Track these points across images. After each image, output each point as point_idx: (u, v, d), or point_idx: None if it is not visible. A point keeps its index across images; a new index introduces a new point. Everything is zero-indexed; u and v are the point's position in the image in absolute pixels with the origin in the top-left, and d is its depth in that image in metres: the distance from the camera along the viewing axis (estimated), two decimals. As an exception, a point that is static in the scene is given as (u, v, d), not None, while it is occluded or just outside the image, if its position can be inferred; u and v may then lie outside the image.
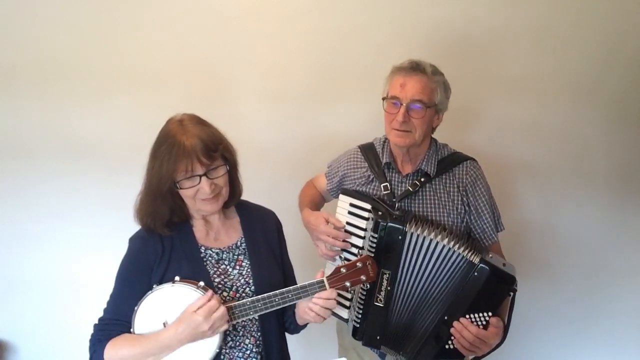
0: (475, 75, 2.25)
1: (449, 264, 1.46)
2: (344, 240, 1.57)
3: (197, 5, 2.11)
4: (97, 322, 1.36)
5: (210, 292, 1.29)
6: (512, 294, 1.45)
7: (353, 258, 1.53)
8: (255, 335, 1.41)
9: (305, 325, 1.51)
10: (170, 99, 2.11)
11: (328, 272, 1.38)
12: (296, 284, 1.48)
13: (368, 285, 1.50)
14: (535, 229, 2.39)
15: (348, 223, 1.59)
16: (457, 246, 1.45)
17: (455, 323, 1.44)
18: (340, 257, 1.58)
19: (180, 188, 1.30)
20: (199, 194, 1.31)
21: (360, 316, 1.54)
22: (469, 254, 1.44)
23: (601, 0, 2.22)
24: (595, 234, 2.40)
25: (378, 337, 1.53)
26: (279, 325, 1.48)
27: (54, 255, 2.20)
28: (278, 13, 2.14)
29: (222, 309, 1.27)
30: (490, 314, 1.43)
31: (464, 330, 1.42)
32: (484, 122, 2.30)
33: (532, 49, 2.24)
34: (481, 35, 2.22)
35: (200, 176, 1.29)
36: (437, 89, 1.57)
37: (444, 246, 1.46)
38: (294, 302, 1.35)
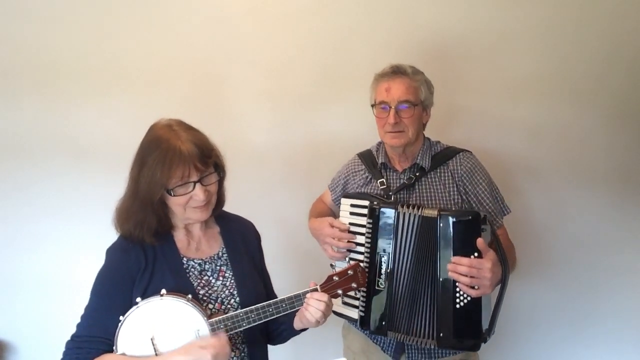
0: (476, 75, 2.25)
1: (420, 229, 1.50)
2: (348, 241, 1.61)
3: (196, 5, 2.11)
4: (70, 339, 1.28)
5: (223, 334, 1.24)
6: (485, 229, 1.44)
7: (360, 257, 1.58)
8: (240, 347, 1.38)
9: (294, 335, 1.49)
10: (170, 99, 2.11)
11: (339, 270, 1.41)
12: (274, 293, 1.51)
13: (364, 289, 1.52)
14: (535, 229, 2.38)
15: (351, 224, 1.63)
16: (420, 211, 1.50)
17: (448, 265, 1.43)
18: (348, 257, 1.61)
19: (174, 195, 1.25)
20: (191, 202, 1.28)
21: (364, 304, 1.57)
22: (428, 212, 1.49)
23: (601, 1, 2.22)
24: (595, 234, 2.40)
25: (384, 323, 1.55)
26: (263, 337, 1.46)
27: (54, 255, 2.20)
28: (277, 13, 2.14)
29: (229, 350, 1.23)
30: (475, 254, 1.42)
31: (457, 266, 1.42)
32: (484, 122, 2.30)
33: (533, 49, 2.24)
34: (481, 36, 2.22)
35: (195, 183, 1.26)
36: (420, 87, 1.65)
37: (407, 214, 1.51)
38: (287, 312, 1.34)
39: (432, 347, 1.52)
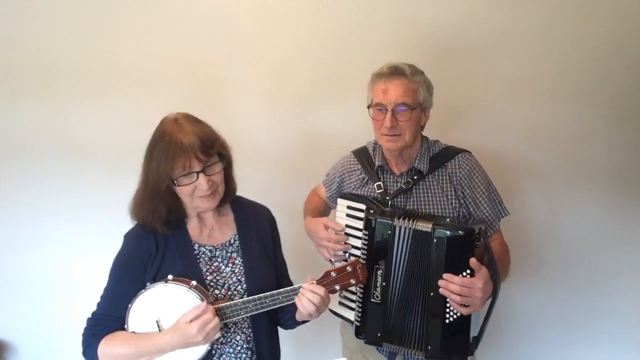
0: (476, 75, 2.25)
1: (414, 242, 1.48)
2: (345, 243, 1.60)
3: (196, 5, 2.11)
4: (90, 316, 1.39)
5: (204, 303, 1.29)
6: (479, 245, 1.42)
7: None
8: (246, 331, 1.42)
9: (299, 324, 1.52)
10: (170, 98, 2.11)
11: (337, 266, 1.41)
12: (290, 282, 1.53)
13: (361, 287, 1.52)
14: (535, 229, 2.38)
15: (347, 226, 1.61)
16: (414, 223, 1.47)
17: (440, 282, 1.42)
18: (346, 260, 1.60)
19: (178, 185, 1.31)
20: (196, 191, 1.33)
21: (360, 314, 1.56)
22: (422, 225, 1.46)
23: (601, 1, 2.22)
24: (595, 234, 2.40)
25: (379, 334, 1.54)
26: (270, 321, 1.50)
27: (54, 255, 2.20)
28: (277, 13, 2.14)
29: (216, 320, 1.29)
30: (468, 271, 1.41)
31: (449, 284, 1.40)
32: (484, 122, 2.30)
33: (533, 49, 2.24)
34: (482, 36, 2.22)
35: (198, 173, 1.31)
36: (419, 89, 1.59)
37: (402, 227, 1.48)
38: (284, 304, 1.36)
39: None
